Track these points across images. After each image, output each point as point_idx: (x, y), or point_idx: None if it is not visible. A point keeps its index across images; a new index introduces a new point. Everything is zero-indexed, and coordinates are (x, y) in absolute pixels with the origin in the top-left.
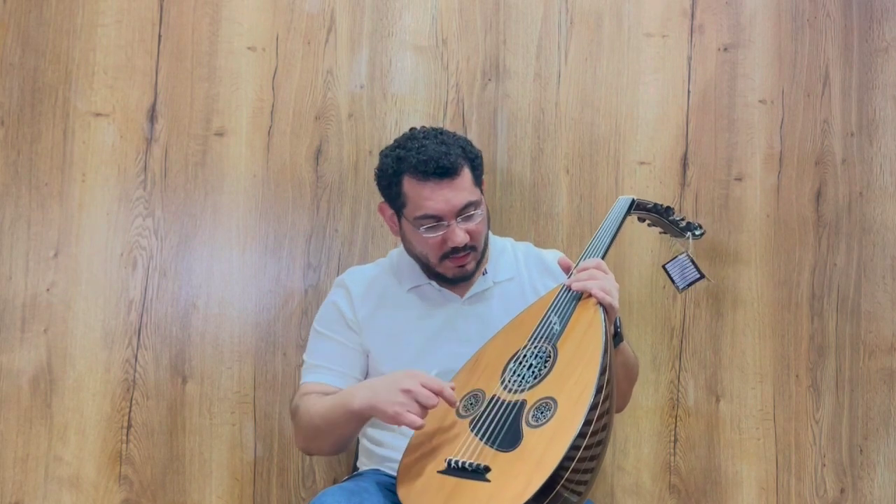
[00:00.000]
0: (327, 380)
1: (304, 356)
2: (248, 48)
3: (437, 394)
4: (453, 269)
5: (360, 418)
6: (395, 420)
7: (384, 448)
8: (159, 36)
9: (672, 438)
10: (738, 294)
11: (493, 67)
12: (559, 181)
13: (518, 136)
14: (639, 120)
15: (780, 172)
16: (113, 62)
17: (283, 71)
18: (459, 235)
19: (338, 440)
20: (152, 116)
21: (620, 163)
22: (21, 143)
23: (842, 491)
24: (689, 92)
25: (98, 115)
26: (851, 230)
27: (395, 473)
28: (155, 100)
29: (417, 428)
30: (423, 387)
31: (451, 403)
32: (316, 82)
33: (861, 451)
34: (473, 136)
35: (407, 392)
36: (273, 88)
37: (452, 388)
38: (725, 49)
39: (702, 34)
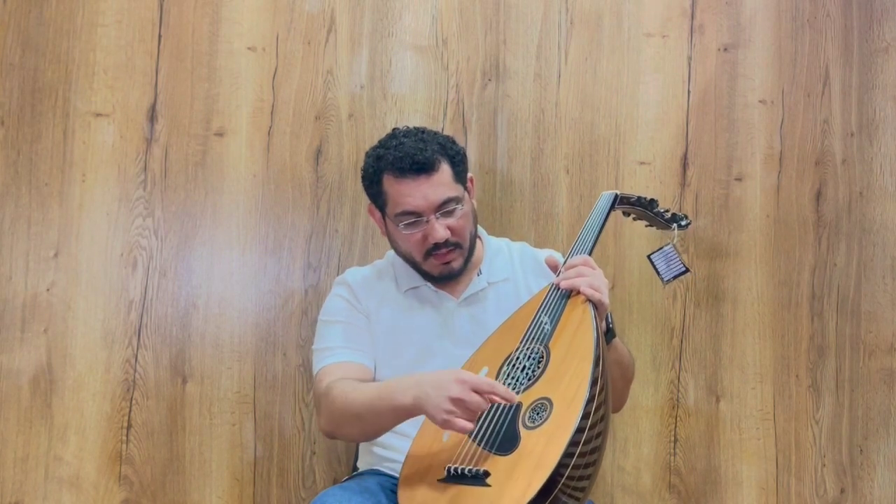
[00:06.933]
0: (350, 357)
1: (315, 346)
2: (248, 48)
3: (490, 394)
4: (439, 267)
5: (408, 415)
6: (445, 426)
7: (385, 449)
8: (159, 36)
9: (672, 438)
10: (738, 294)
11: (493, 67)
12: (559, 181)
13: (518, 137)
14: (639, 120)
15: (780, 172)
16: (113, 62)
17: (283, 71)
18: (439, 231)
19: (377, 430)
20: (152, 116)
21: (620, 163)
22: (21, 143)
23: (842, 491)
24: (689, 92)
25: (98, 115)
26: (851, 230)
27: (395, 473)
28: (155, 100)
29: (468, 431)
30: (474, 391)
31: (509, 400)
32: (316, 82)
33: (861, 451)
34: (473, 137)
35: (457, 401)
36: (273, 88)
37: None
38: (725, 49)
39: (702, 34)
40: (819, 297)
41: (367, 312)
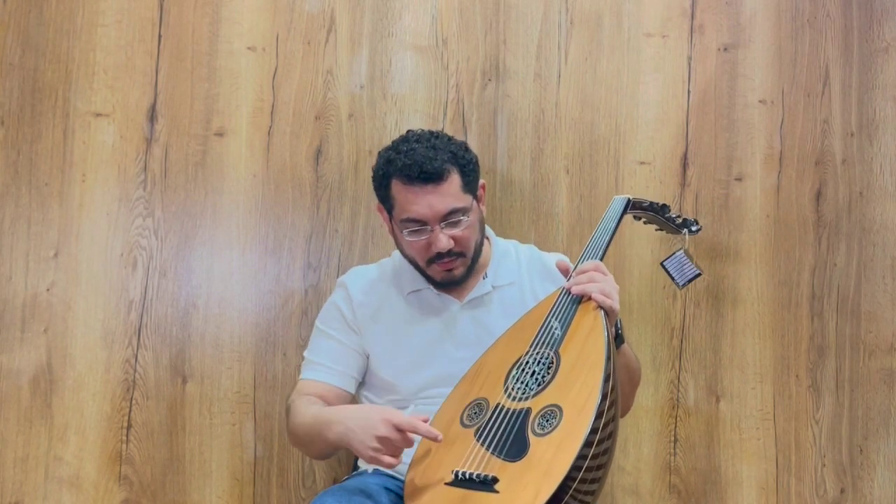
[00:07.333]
0: (326, 378)
1: (305, 352)
2: (248, 48)
3: (412, 432)
4: (441, 274)
5: (337, 447)
6: (372, 462)
7: None
8: (159, 36)
9: (672, 438)
10: (738, 294)
11: (493, 67)
12: (559, 181)
13: (518, 137)
14: (639, 120)
15: (780, 172)
16: (113, 62)
17: (283, 71)
18: (442, 241)
19: (319, 453)
20: (152, 116)
21: (620, 163)
22: (21, 143)
23: (842, 491)
24: (689, 92)
25: (98, 115)
26: (851, 230)
27: (395, 474)
28: (155, 100)
29: (394, 466)
30: (397, 429)
31: (432, 438)
32: (316, 82)
33: (861, 451)
34: (473, 137)
35: (382, 439)
36: (273, 88)
37: (426, 420)
38: (725, 49)
39: (702, 34)
40: (819, 297)
41: (361, 326)
